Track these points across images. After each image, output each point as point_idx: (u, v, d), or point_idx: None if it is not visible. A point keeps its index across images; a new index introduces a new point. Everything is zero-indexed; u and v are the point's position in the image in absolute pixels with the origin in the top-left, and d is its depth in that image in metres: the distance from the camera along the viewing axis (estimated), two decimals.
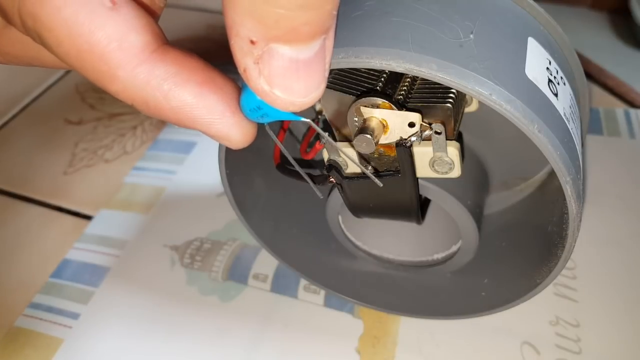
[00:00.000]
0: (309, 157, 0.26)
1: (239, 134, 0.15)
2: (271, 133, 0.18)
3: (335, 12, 0.13)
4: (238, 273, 0.33)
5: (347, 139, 0.23)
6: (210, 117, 0.15)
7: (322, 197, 0.22)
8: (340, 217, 0.28)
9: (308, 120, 0.16)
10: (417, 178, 0.23)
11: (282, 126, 0.25)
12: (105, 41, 0.13)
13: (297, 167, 0.21)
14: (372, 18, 0.19)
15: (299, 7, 0.12)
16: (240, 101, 0.15)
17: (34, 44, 0.15)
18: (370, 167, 0.23)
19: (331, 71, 0.23)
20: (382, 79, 0.22)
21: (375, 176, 0.23)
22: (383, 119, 0.21)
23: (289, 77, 0.13)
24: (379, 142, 0.21)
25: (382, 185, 0.21)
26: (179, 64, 0.14)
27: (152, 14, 0.15)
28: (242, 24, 0.12)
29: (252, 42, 0.12)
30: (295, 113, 0.15)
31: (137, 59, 0.14)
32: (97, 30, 0.13)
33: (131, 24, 0.13)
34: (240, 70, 0.13)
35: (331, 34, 0.13)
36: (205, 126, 0.15)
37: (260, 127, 0.16)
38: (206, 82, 0.15)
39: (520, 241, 0.28)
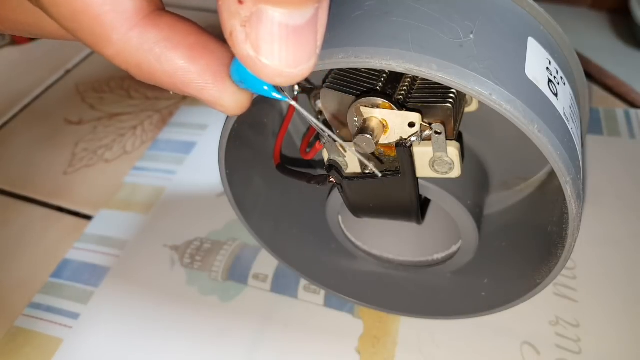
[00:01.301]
0: (309, 157, 0.26)
1: (231, 101, 0.15)
2: (292, 101, 0.18)
3: None
4: (238, 273, 0.33)
5: (347, 140, 0.23)
6: (202, 81, 0.15)
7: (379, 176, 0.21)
8: (340, 217, 0.28)
9: (293, 102, 0.16)
10: (417, 178, 0.23)
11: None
12: (99, 2, 0.13)
13: (321, 126, 0.20)
14: (372, 18, 0.19)
15: None
16: (230, 71, 0.15)
17: (34, 10, 0.15)
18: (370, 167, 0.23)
19: (331, 71, 0.23)
20: (382, 79, 0.22)
21: (375, 176, 0.23)
22: (383, 119, 0.21)
23: (278, 43, 0.12)
24: (379, 142, 0.21)
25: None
26: (172, 28, 0.14)
27: None
28: None
29: (240, 1, 0.12)
30: (282, 93, 0.15)
31: (130, 22, 0.14)
32: None
33: None
34: (227, 34, 0.13)
35: (325, 5, 0.13)
36: (198, 91, 0.15)
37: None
38: (198, 46, 0.15)
39: (520, 241, 0.28)
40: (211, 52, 0.15)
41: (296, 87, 0.24)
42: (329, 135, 0.22)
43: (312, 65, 0.13)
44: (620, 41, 0.49)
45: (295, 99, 0.24)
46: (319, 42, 0.13)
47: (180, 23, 0.15)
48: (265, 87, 0.14)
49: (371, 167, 0.21)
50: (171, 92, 0.16)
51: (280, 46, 0.13)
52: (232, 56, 0.15)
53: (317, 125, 0.17)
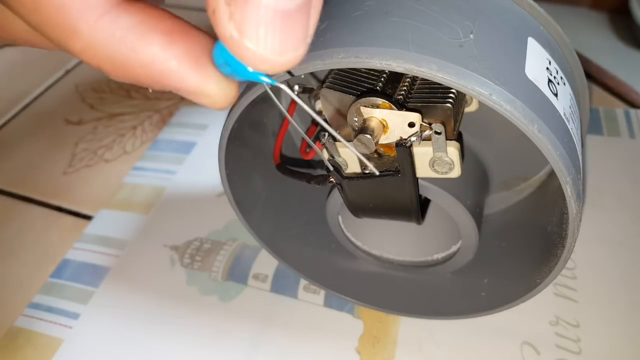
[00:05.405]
0: (309, 157, 0.26)
1: (216, 90, 0.14)
2: (273, 97, 0.16)
3: None
4: (238, 273, 0.33)
5: (347, 140, 0.23)
6: (182, 69, 0.13)
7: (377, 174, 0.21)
8: (340, 217, 0.28)
9: (283, 85, 0.14)
10: (417, 178, 0.23)
11: (288, 110, 0.25)
12: None
13: (307, 138, 0.19)
14: (372, 18, 0.19)
15: None
16: (212, 54, 0.13)
17: (3, 12, 0.14)
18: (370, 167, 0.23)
19: (331, 71, 0.23)
20: (382, 79, 0.22)
21: (375, 176, 0.23)
22: (383, 119, 0.21)
23: (264, 27, 0.11)
24: (379, 142, 0.21)
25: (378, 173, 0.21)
26: (145, 13, 0.13)
27: None
28: None
29: None
30: (270, 77, 0.13)
31: (99, 11, 0.12)
32: None
33: None
34: (209, 11, 0.12)
35: None
36: (179, 81, 0.13)
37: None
38: (175, 31, 0.13)
39: (520, 241, 0.28)
40: (190, 36, 0.14)
41: (296, 87, 0.24)
42: (328, 135, 0.22)
43: (300, 55, 0.12)
44: (621, 41, 0.49)
45: (291, 108, 0.24)
46: (311, 30, 0.12)
47: (154, 8, 0.13)
48: (251, 69, 0.13)
49: (370, 167, 0.21)
50: (150, 91, 0.15)
51: (267, 30, 0.11)
52: (214, 41, 0.14)
53: (317, 117, 0.16)
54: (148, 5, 0.13)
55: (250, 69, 0.13)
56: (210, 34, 0.14)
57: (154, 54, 0.13)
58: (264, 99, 0.19)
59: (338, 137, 0.19)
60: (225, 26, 0.12)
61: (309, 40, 0.12)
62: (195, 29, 0.14)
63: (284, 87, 0.15)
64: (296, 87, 0.25)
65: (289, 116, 0.18)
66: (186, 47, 0.13)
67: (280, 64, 0.12)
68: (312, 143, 0.21)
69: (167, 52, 0.13)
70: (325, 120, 0.24)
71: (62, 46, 0.13)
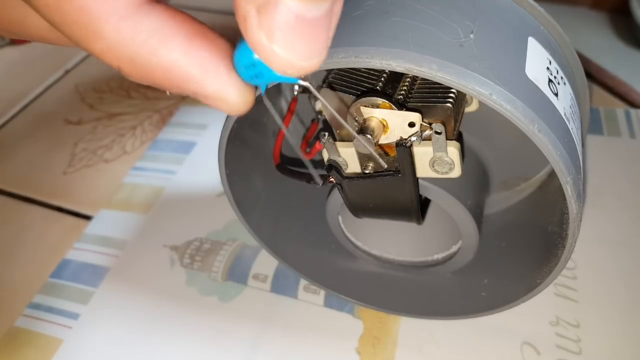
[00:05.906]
0: (309, 157, 0.26)
1: (236, 94, 0.14)
2: (268, 103, 0.17)
3: None
4: (238, 273, 0.33)
5: (347, 139, 0.23)
6: (203, 74, 0.14)
7: (319, 185, 0.22)
8: (340, 217, 0.28)
9: (306, 83, 0.15)
10: (417, 178, 0.23)
11: (290, 109, 0.25)
12: None
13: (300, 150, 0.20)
14: (372, 18, 0.19)
15: None
16: (234, 58, 0.14)
17: (19, 7, 0.14)
18: (370, 167, 0.23)
19: (331, 71, 0.23)
20: (382, 79, 0.22)
21: (375, 176, 0.23)
22: (383, 119, 0.21)
23: (292, 34, 0.12)
24: (379, 142, 0.21)
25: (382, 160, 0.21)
26: (167, 17, 0.13)
27: None
28: None
29: None
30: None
31: (121, 12, 0.13)
32: None
33: None
34: (239, 18, 0.12)
35: None
36: (199, 85, 0.14)
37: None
38: (196, 35, 0.14)
39: (521, 241, 0.28)
40: (211, 41, 0.14)
41: (295, 87, 0.24)
42: (328, 135, 0.22)
43: (323, 59, 0.13)
44: (621, 41, 0.49)
45: (291, 109, 0.24)
46: (331, 34, 0.13)
47: (176, 12, 0.14)
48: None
49: (380, 161, 0.21)
50: (168, 93, 0.15)
51: (294, 37, 0.12)
52: (233, 47, 0.14)
53: (333, 112, 0.17)
54: (170, 9, 0.14)
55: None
56: (228, 38, 0.14)
57: (175, 59, 0.13)
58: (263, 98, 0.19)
59: (352, 132, 0.19)
60: (256, 33, 0.12)
61: (329, 44, 0.13)
62: (214, 33, 0.14)
63: (307, 84, 0.15)
64: (296, 87, 0.25)
65: (281, 123, 0.18)
66: (207, 52, 0.14)
67: (305, 68, 0.13)
68: (318, 135, 0.21)
69: (188, 57, 0.13)
70: (326, 121, 0.24)
71: (82, 46, 0.13)
